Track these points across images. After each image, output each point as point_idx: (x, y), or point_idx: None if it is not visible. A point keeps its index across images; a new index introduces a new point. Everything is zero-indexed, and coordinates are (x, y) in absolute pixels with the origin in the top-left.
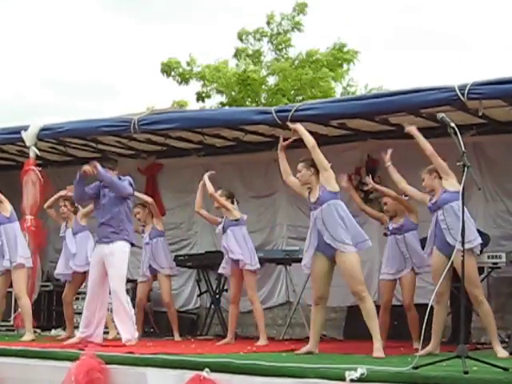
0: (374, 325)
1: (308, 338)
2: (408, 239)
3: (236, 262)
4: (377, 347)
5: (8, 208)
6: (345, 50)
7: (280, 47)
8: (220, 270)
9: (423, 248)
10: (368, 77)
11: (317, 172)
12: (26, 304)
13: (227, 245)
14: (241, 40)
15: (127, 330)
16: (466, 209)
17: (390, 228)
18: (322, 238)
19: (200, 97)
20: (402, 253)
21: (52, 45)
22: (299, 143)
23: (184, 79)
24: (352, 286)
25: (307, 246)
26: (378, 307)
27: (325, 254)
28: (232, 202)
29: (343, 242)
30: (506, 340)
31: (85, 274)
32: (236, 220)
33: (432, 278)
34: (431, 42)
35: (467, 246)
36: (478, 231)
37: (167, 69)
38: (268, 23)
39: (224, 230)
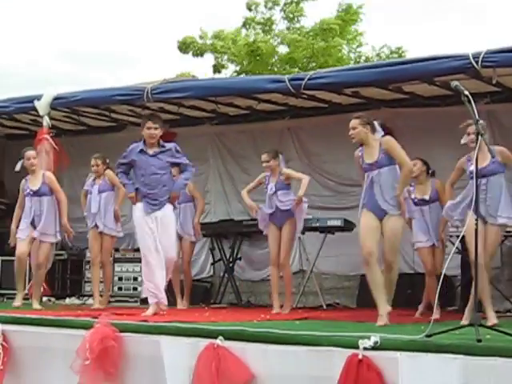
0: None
1: (321, 306)
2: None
3: (287, 213)
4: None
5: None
6: (350, 11)
7: (292, 16)
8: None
9: None
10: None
11: (373, 131)
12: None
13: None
14: (249, 9)
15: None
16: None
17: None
18: (375, 198)
19: (216, 69)
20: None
21: (67, 15)
22: (313, 111)
23: (199, 53)
24: (389, 254)
25: (361, 205)
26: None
27: (375, 213)
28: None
29: (394, 206)
30: None
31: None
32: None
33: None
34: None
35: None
36: None
37: (183, 46)
38: None
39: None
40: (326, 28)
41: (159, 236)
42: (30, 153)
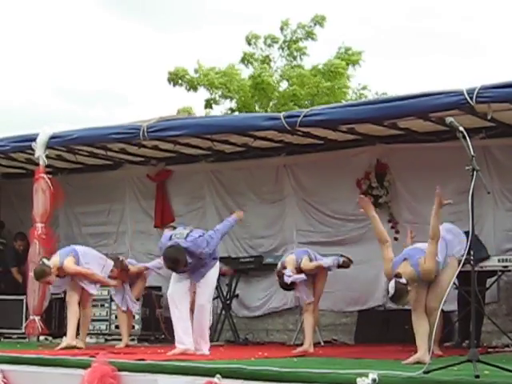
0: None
1: (319, 342)
2: None
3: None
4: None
5: None
6: (350, 52)
7: (295, 55)
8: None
9: None
10: (378, 81)
11: None
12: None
13: None
14: (249, 44)
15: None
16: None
17: None
18: None
19: (208, 104)
20: None
21: (62, 54)
22: (309, 148)
23: (192, 86)
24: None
25: None
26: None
27: None
28: None
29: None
30: None
31: None
32: None
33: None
34: (442, 45)
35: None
36: (480, 244)
37: (174, 77)
38: (281, 29)
39: None
40: (333, 71)
41: None
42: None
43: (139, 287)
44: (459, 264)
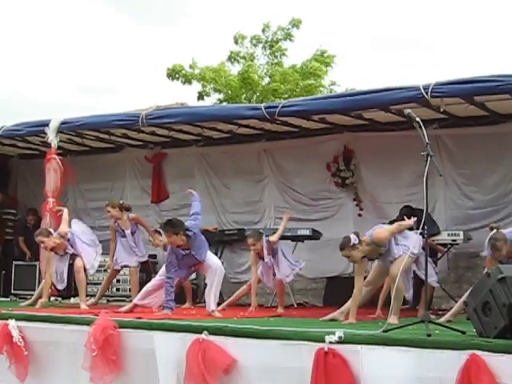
0: None
1: (292, 305)
2: None
3: None
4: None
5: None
6: (325, 55)
7: (274, 54)
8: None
9: None
10: (349, 77)
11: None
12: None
13: None
14: (236, 43)
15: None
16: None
17: None
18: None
19: (200, 96)
20: None
21: (74, 52)
22: (285, 135)
23: (187, 80)
24: None
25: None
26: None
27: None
28: None
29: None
30: (464, 307)
31: None
32: None
33: None
34: (400, 46)
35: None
36: (432, 221)
37: (172, 73)
38: (263, 31)
39: None
40: (310, 72)
41: None
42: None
43: None
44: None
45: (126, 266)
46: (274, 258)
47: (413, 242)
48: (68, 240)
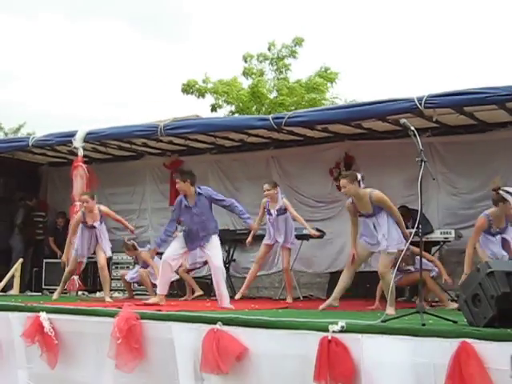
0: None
1: (299, 297)
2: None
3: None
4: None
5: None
6: (328, 71)
7: (281, 70)
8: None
9: None
10: (351, 89)
11: (359, 184)
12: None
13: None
14: (245, 61)
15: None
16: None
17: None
18: (375, 234)
19: (213, 108)
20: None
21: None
22: (291, 143)
23: (201, 94)
24: None
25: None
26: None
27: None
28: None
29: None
30: (456, 299)
31: None
32: None
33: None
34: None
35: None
36: (426, 220)
37: (187, 88)
38: (269, 49)
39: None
40: (315, 87)
41: None
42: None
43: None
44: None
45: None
46: (279, 218)
47: (396, 239)
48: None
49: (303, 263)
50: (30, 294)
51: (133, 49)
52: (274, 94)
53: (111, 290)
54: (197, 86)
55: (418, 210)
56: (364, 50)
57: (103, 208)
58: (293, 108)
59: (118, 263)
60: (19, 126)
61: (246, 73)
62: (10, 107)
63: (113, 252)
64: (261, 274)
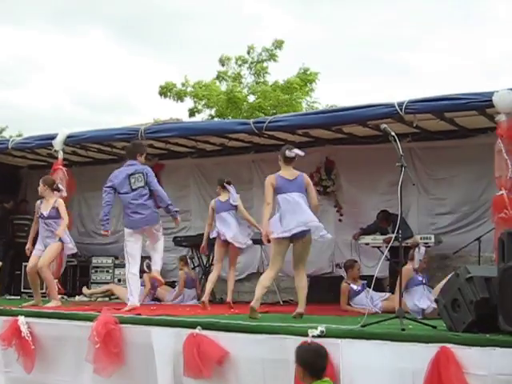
0: None
1: (278, 302)
2: None
3: None
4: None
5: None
6: (308, 72)
7: (259, 73)
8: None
9: None
10: (330, 96)
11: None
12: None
13: None
14: (222, 64)
15: None
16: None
17: None
18: None
19: (192, 113)
20: None
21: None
22: (272, 147)
23: (179, 97)
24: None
25: None
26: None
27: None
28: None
29: None
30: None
31: None
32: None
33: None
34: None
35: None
36: (406, 225)
37: (165, 90)
38: (248, 52)
39: None
40: (289, 86)
41: None
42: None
43: None
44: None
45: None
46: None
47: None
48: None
49: (285, 268)
50: (8, 297)
51: (108, 53)
52: (252, 98)
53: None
54: (175, 89)
55: (397, 215)
56: (344, 54)
57: (60, 201)
58: (271, 111)
59: (97, 267)
60: (1, 130)
61: (221, 76)
62: None
63: (92, 256)
64: (241, 278)
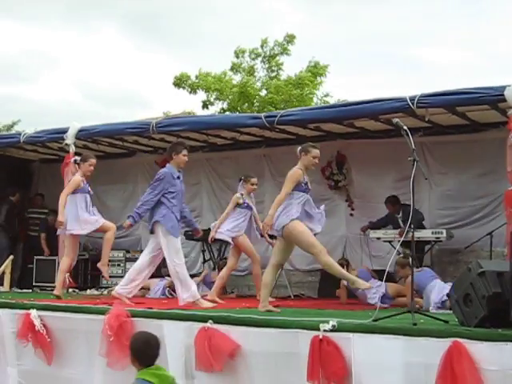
0: None
1: (290, 296)
2: None
3: None
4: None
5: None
6: (318, 66)
7: (273, 68)
8: None
9: None
10: (342, 91)
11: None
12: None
13: None
14: (237, 56)
15: None
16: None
17: None
18: None
19: (205, 105)
20: None
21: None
22: (283, 142)
23: (193, 90)
24: None
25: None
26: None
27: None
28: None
29: None
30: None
31: None
32: None
33: None
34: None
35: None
36: (416, 210)
37: (179, 82)
38: (262, 46)
39: None
40: (301, 82)
41: None
42: (93, 160)
43: None
44: None
45: None
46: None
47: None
48: None
49: (294, 262)
50: (19, 291)
51: (120, 47)
52: (264, 92)
53: (101, 288)
54: (189, 81)
55: (409, 205)
56: (356, 48)
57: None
58: (283, 106)
59: (109, 261)
60: (12, 123)
61: (236, 68)
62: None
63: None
64: (250, 273)
